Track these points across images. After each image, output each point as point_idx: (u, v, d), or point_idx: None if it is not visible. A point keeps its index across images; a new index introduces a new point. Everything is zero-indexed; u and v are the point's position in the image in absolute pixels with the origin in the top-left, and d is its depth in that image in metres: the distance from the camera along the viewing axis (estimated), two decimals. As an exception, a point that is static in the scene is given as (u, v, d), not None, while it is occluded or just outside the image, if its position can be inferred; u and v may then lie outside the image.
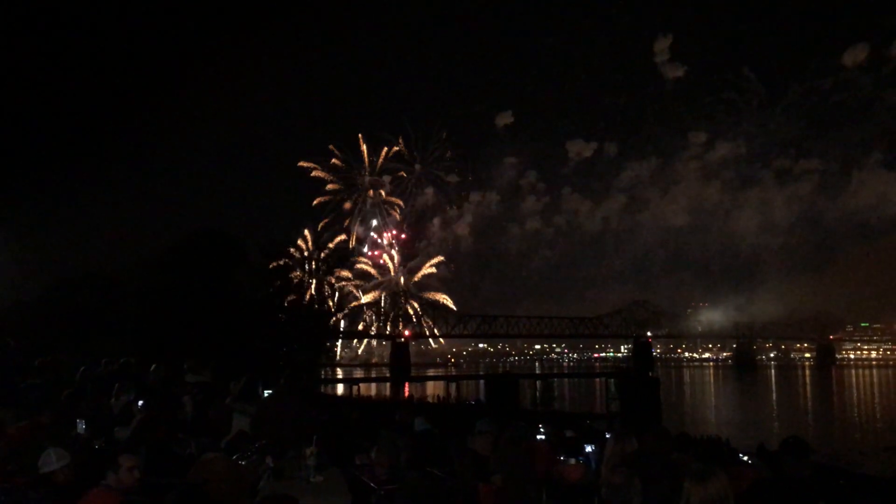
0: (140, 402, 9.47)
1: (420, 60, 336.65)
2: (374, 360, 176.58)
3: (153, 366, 12.02)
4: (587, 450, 8.48)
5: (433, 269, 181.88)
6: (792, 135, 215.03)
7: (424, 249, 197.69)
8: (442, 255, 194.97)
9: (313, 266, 60.50)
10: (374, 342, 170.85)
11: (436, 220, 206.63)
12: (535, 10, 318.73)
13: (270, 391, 10.31)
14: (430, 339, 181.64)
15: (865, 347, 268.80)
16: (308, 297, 51.31)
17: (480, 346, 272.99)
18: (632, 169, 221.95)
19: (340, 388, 76.31)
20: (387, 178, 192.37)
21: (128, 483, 5.57)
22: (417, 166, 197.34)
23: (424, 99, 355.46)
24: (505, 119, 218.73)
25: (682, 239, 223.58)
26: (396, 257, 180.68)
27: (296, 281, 53.68)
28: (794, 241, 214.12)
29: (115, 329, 35.49)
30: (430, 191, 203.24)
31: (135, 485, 5.61)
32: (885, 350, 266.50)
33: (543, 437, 9.80)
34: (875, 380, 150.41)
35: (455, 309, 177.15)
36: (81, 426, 8.18)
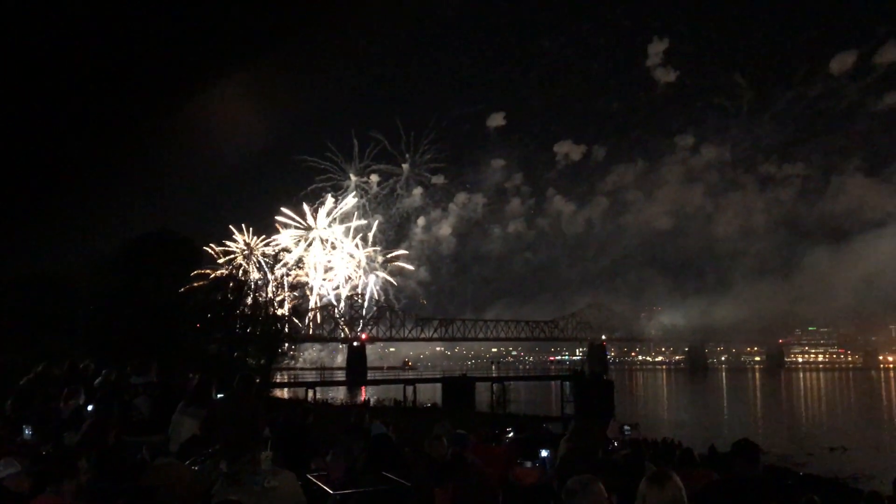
0: (89, 407, 9.27)
1: (415, 61, 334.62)
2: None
3: (103, 370, 11.78)
4: (542, 454, 8.53)
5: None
6: (778, 140, 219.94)
7: (405, 250, 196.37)
8: (422, 256, 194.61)
9: (268, 267, 59.93)
10: (340, 346, 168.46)
11: (420, 221, 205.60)
12: (533, 12, 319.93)
13: (222, 395, 10.17)
14: (388, 343, 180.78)
15: (813, 351, 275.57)
16: (264, 300, 50.73)
17: (438, 349, 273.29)
18: (617, 172, 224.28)
19: (295, 392, 75.66)
20: (374, 179, 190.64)
21: (82, 485, 5.47)
22: (405, 166, 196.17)
23: (418, 100, 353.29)
24: (496, 121, 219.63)
25: (662, 242, 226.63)
26: (366, 259, 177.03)
27: (251, 283, 53.15)
28: (769, 246, 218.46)
29: (65, 331, 34.75)
30: (418, 191, 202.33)
31: (86, 485, 5.51)
32: (831, 354, 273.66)
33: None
34: (822, 383, 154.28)
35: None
36: (27, 432, 7.98)
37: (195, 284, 48.67)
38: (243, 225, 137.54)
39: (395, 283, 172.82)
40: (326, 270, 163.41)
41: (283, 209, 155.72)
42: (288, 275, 59.26)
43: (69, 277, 42.89)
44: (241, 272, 59.28)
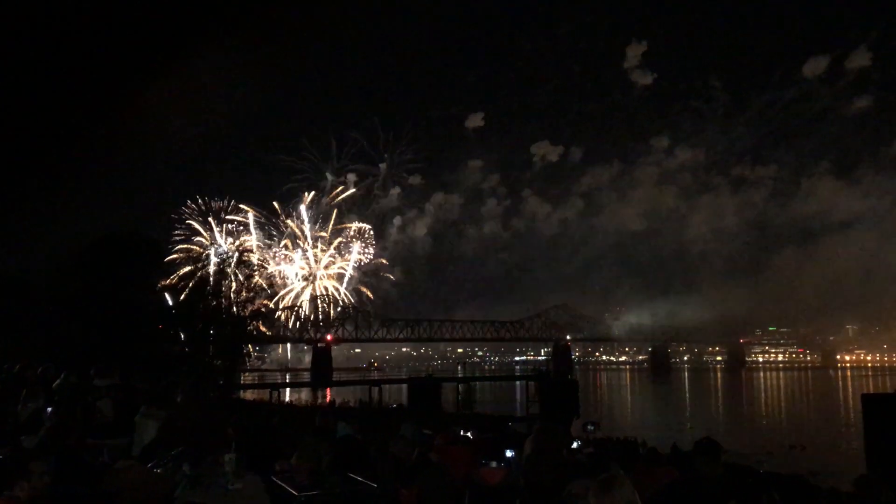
0: (49, 409, 9.12)
1: (395, 62, 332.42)
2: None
3: (63, 372, 11.61)
4: (507, 454, 8.57)
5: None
6: (751, 143, 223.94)
7: (380, 252, 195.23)
8: (397, 256, 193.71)
9: (230, 267, 59.26)
10: (306, 346, 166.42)
11: (396, 221, 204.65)
12: (512, 14, 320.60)
13: (181, 396, 10.11)
14: (353, 344, 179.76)
15: (773, 351, 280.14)
16: (226, 301, 50.19)
17: (404, 350, 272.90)
18: (593, 173, 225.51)
19: (260, 394, 74.98)
20: (352, 178, 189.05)
21: (39, 489, 5.35)
22: (382, 166, 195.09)
23: (397, 100, 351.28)
24: (475, 121, 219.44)
25: (636, 243, 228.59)
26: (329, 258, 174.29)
27: (213, 284, 52.58)
28: (739, 247, 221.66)
29: (26, 333, 34.10)
30: (396, 191, 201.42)
31: (44, 489, 5.38)
32: (791, 353, 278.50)
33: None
34: (781, 382, 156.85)
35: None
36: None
37: (159, 285, 48.07)
38: (213, 223, 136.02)
39: (371, 296, 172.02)
40: (297, 274, 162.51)
41: (243, 206, 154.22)
42: (252, 276, 58.62)
43: (30, 279, 42.10)
44: (212, 275, 58.63)
